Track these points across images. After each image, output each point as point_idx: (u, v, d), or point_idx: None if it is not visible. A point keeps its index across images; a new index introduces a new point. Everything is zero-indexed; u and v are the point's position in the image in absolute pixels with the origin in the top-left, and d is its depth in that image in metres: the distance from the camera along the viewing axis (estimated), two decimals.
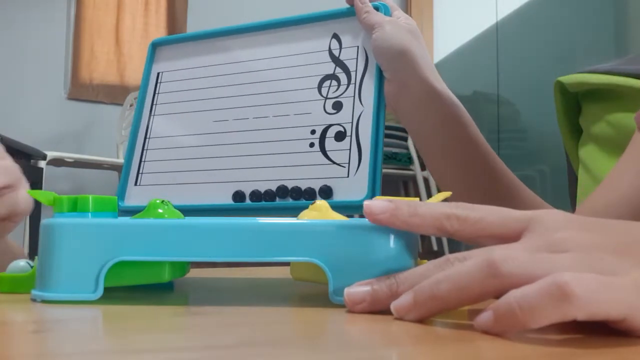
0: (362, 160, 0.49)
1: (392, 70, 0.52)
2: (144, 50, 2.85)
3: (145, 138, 0.59)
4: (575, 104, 0.81)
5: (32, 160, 2.21)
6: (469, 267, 0.26)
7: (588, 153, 0.77)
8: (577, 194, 0.71)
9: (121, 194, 0.58)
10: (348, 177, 0.49)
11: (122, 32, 2.86)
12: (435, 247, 2.78)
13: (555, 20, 2.14)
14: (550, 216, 0.28)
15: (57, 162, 2.39)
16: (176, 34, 0.69)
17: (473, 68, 2.71)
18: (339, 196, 0.49)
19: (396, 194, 2.82)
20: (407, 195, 2.84)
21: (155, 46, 0.63)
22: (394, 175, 2.73)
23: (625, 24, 1.87)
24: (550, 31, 2.15)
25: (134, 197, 0.57)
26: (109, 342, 0.24)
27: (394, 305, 0.27)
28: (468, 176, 0.56)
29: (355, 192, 0.48)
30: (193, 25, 2.92)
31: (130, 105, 2.52)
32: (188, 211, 0.53)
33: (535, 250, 0.27)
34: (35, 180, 2.16)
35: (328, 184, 0.50)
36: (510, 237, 0.28)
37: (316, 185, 0.50)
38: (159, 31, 2.91)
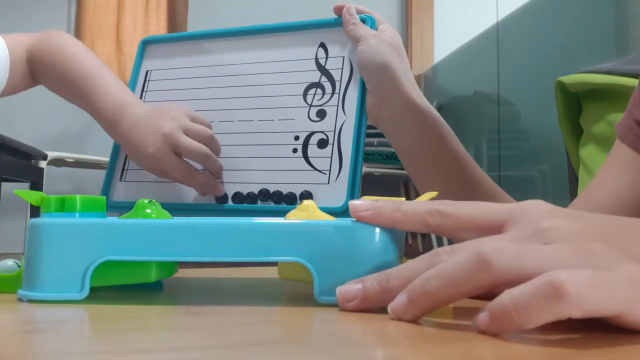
0: (342, 168, 0.50)
1: (374, 83, 0.54)
2: None
3: None
4: (576, 104, 0.80)
5: (32, 161, 2.21)
6: (459, 262, 0.26)
7: (589, 153, 0.77)
8: (577, 194, 0.70)
9: (106, 190, 0.58)
10: (328, 183, 0.51)
11: (122, 31, 2.86)
12: (435, 247, 2.78)
13: (556, 20, 2.13)
14: (534, 206, 0.29)
15: (58, 162, 2.39)
16: (166, 33, 0.70)
17: (473, 68, 2.71)
18: (318, 202, 0.49)
19: (396, 194, 2.82)
20: (407, 195, 2.84)
21: (145, 44, 0.64)
22: (394, 175, 2.73)
23: (626, 23, 1.87)
24: (551, 31, 2.15)
25: (119, 193, 0.58)
26: (105, 342, 0.24)
27: (390, 307, 0.27)
28: (447, 186, 0.58)
29: (335, 199, 0.50)
30: (194, 25, 2.92)
31: None
32: (170, 209, 0.54)
33: (523, 240, 0.27)
34: (35, 180, 2.16)
35: (309, 190, 0.51)
36: (492, 229, 0.29)
37: (297, 190, 0.51)
38: (160, 31, 2.91)
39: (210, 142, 0.54)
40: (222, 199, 0.54)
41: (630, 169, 0.53)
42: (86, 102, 0.60)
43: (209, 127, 0.56)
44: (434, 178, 0.59)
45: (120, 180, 0.58)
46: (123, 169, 0.59)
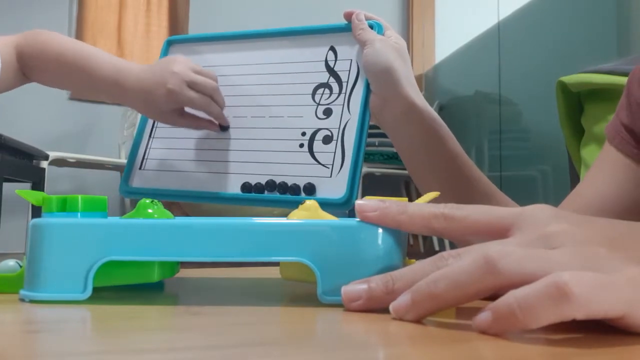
0: (344, 163, 0.54)
1: (377, 85, 0.56)
2: (146, 49, 2.85)
3: (153, 126, 0.64)
4: (578, 104, 0.80)
5: (34, 161, 2.21)
6: (466, 265, 0.26)
7: (590, 153, 0.77)
8: None
9: (126, 177, 0.63)
10: (330, 177, 0.54)
11: (124, 31, 2.86)
12: (437, 247, 2.78)
13: (557, 20, 2.13)
14: (540, 211, 0.29)
15: (59, 163, 2.39)
16: (189, 34, 0.75)
17: (475, 68, 2.71)
18: (321, 194, 0.54)
19: (397, 194, 2.82)
20: (408, 194, 2.84)
21: (170, 43, 0.69)
22: (395, 176, 2.73)
23: (628, 23, 1.87)
24: (552, 31, 2.15)
25: (138, 180, 0.62)
26: (107, 342, 0.24)
27: (392, 306, 0.27)
28: (445, 184, 0.60)
29: (336, 191, 0.53)
30: (195, 25, 2.92)
31: None
32: (183, 196, 0.59)
33: (529, 245, 0.27)
34: (37, 180, 2.16)
35: (312, 182, 0.54)
36: (497, 233, 0.29)
37: (301, 182, 0.55)
38: (161, 31, 2.91)
39: (216, 80, 0.61)
40: (225, 127, 0.61)
41: (616, 171, 0.55)
42: (84, 77, 0.64)
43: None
44: (432, 176, 0.60)
45: (140, 168, 0.63)
46: (143, 159, 0.63)
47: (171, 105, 0.59)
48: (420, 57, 3.18)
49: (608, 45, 1.88)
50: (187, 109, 0.61)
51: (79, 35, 2.79)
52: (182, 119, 0.61)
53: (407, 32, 3.24)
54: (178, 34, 2.90)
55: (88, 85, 0.64)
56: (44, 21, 2.75)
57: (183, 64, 0.60)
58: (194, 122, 0.61)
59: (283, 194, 0.55)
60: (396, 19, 3.25)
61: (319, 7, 2.74)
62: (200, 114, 0.61)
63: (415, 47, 3.19)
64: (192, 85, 0.58)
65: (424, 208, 0.31)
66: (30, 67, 0.68)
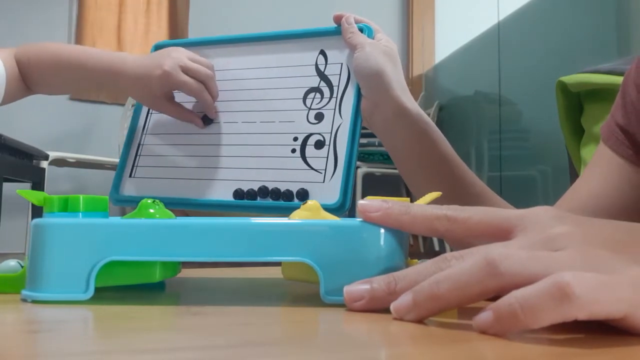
0: (337, 168, 0.54)
1: (368, 88, 0.56)
2: (145, 50, 2.85)
3: (142, 134, 0.63)
4: (577, 104, 0.81)
5: (34, 161, 2.21)
6: (468, 267, 0.26)
7: (590, 153, 0.77)
8: None
9: (116, 185, 0.62)
10: (323, 182, 0.54)
11: (123, 32, 2.86)
12: (437, 248, 2.78)
13: (557, 20, 2.13)
14: (542, 212, 0.29)
15: (59, 163, 2.40)
16: (177, 39, 0.74)
17: (474, 68, 2.71)
18: (314, 199, 0.53)
19: (397, 193, 2.82)
20: (409, 194, 2.84)
21: (157, 48, 0.67)
22: (395, 175, 2.73)
23: (628, 23, 1.87)
24: (552, 31, 2.15)
25: (128, 188, 0.62)
26: (108, 342, 0.24)
27: (393, 306, 0.27)
28: (438, 187, 0.59)
29: (329, 197, 0.53)
30: (194, 26, 2.92)
31: (132, 106, 2.51)
32: (175, 204, 0.58)
33: (532, 247, 0.27)
34: (37, 180, 2.16)
35: (305, 188, 0.54)
36: (500, 235, 0.29)
37: (294, 188, 0.54)
38: (161, 31, 2.91)
39: (211, 69, 0.62)
40: (209, 120, 0.61)
41: (611, 172, 0.55)
42: (80, 70, 0.65)
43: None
44: (424, 179, 0.60)
45: (130, 176, 0.62)
46: (133, 166, 0.63)
47: (164, 88, 0.60)
48: (420, 57, 3.18)
49: (608, 45, 1.88)
50: (177, 100, 0.62)
51: (79, 35, 2.79)
52: (171, 105, 0.62)
53: (406, 32, 3.25)
54: (178, 35, 2.90)
55: (85, 77, 0.65)
56: (44, 21, 2.75)
57: (181, 51, 0.62)
58: (181, 112, 0.62)
59: (276, 200, 0.55)
60: (396, 19, 3.25)
61: (321, 8, 2.74)
62: (189, 105, 0.62)
63: (415, 48, 3.19)
64: (186, 70, 0.60)
65: (426, 209, 0.31)
66: (30, 76, 0.69)
